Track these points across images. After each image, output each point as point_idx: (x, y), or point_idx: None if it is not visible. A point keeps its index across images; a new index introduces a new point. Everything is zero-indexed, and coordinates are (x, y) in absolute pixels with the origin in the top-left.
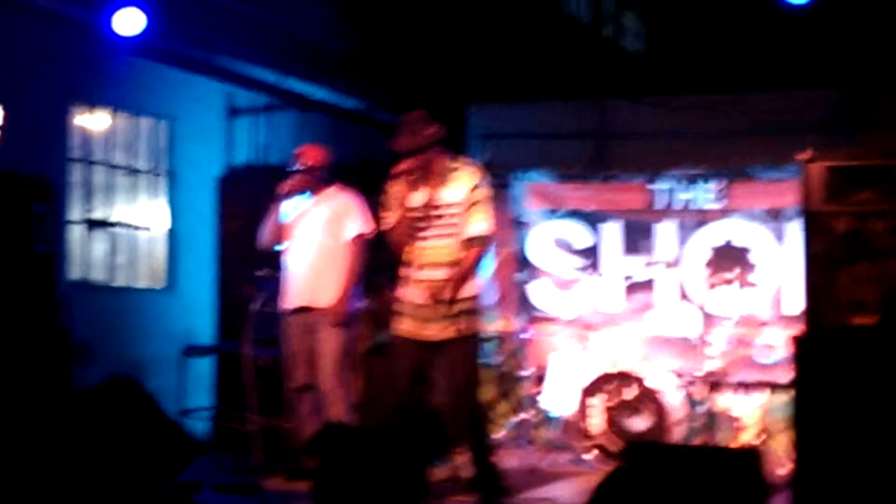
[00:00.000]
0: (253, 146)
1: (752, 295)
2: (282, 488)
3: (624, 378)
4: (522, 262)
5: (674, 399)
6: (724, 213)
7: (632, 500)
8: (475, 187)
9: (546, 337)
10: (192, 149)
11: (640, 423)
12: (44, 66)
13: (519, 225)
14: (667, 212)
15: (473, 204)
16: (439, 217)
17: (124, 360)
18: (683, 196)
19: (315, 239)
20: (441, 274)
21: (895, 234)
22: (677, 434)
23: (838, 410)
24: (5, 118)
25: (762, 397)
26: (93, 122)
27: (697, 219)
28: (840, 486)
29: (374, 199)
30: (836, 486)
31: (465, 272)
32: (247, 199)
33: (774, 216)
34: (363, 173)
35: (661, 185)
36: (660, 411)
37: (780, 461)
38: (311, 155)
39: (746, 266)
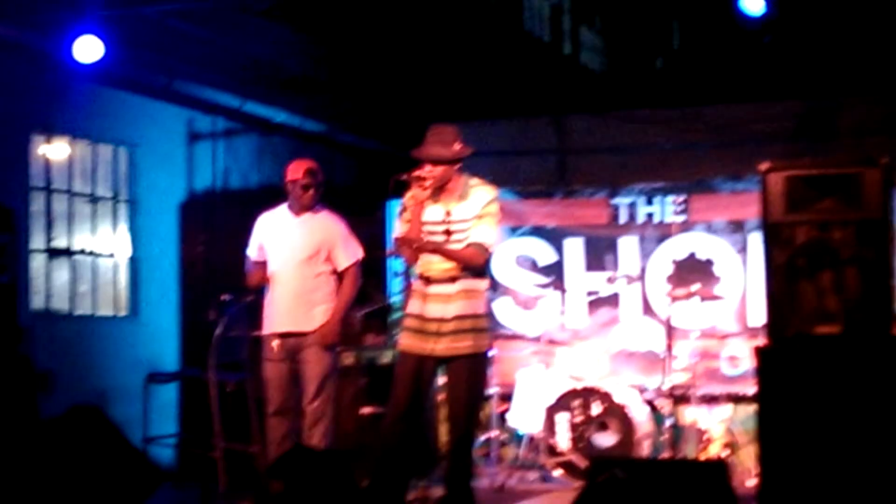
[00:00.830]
0: (213, 171)
1: (717, 307)
2: None
3: (590, 394)
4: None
5: (640, 413)
6: (686, 226)
7: None
8: (490, 202)
9: (511, 354)
10: (153, 175)
11: (607, 438)
12: (3, 95)
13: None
14: (629, 226)
15: (484, 215)
16: (453, 233)
17: (88, 389)
18: (645, 210)
19: (300, 262)
20: (451, 289)
21: (857, 243)
22: (645, 448)
23: (803, 421)
24: None
25: (729, 409)
26: (53, 150)
27: (660, 232)
28: (806, 497)
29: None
30: (801, 497)
31: (453, 255)
32: (208, 224)
33: (737, 228)
34: (327, 197)
35: (622, 200)
36: (627, 426)
37: (749, 473)
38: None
39: (710, 278)
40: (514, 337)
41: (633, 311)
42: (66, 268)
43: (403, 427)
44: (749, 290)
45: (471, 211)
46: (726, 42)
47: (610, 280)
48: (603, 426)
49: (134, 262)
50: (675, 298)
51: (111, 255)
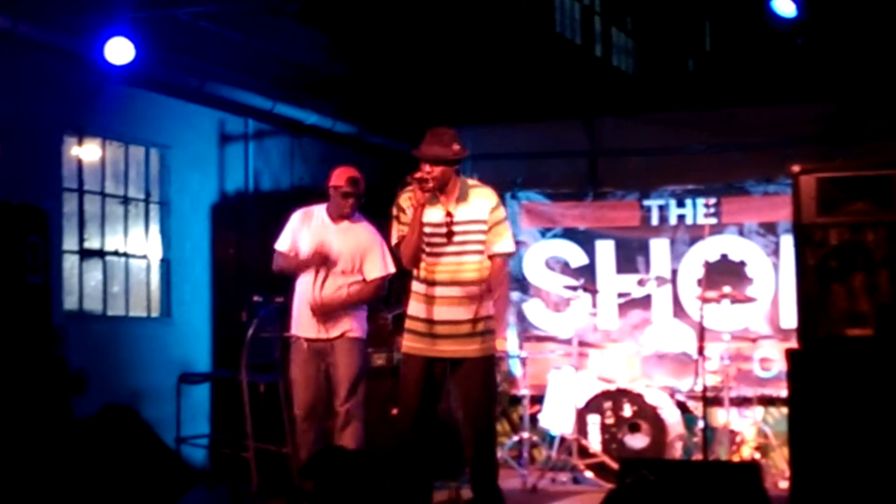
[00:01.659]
0: (244, 173)
1: (749, 310)
2: None
3: (622, 395)
4: (519, 282)
5: (672, 415)
6: (717, 228)
7: None
8: (496, 207)
9: (542, 356)
10: (184, 177)
11: (638, 440)
12: (36, 96)
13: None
14: (660, 228)
15: (497, 223)
16: (456, 234)
17: (121, 390)
18: (677, 212)
19: (333, 271)
20: (456, 291)
21: (890, 245)
22: (676, 450)
23: (834, 423)
24: None
25: (761, 412)
26: (86, 151)
27: (691, 235)
28: (838, 499)
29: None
30: (833, 500)
31: (498, 283)
32: (240, 225)
33: (769, 230)
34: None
35: (654, 202)
36: (658, 428)
37: (781, 475)
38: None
39: (742, 281)
40: (546, 339)
41: (664, 313)
42: (98, 269)
43: (418, 428)
44: (781, 292)
45: (475, 214)
46: (758, 44)
47: (641, 282)
48: (635, 428)
49: (166, 264)
50: (706, 301)
51: (143, 257)
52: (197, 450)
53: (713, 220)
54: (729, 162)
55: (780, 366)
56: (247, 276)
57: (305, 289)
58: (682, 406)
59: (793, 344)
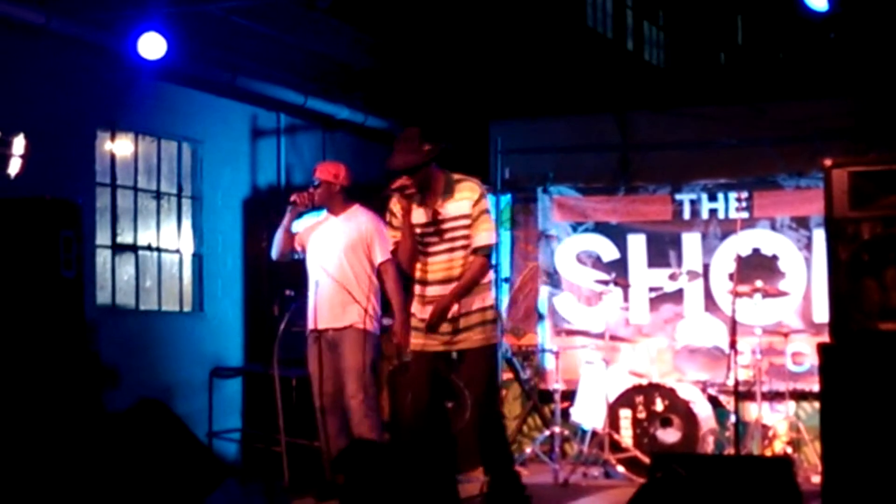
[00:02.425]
0: (276, 167)
1: (781, 304)
2: None
3: (653, 390)
4: (551, 276)
5: (704, 410)
6: (750, 222)
7: None
8: (478, 200)
9: (574, 350)
10: (217, 171)
11: (670, 434)
12: (69, 92)
13: (546, 238)
14: (692, 222)
15: (477, 216)
16: (445, 231)
17: (153, 384)
18: (709, 206)
19: (338, 259)
20: (450, 287)
21: None
22: (708, 445)
23: (867, 417)
24: (27, 147)
25: (793, 406)
26: (118, 146)
27: (723, 229)
28: (871, 494)
29: None
30: (866, 494)
31: (468, 283)
32: (272, 220)
33: (801, 224)
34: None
35: (686, 196)
36: (690, 422)
37: (814, 470)
38: (327, 170)
39: (774, 275)
40: (577, 333)
41: (696, 307)
42: (131, 263)
43: (426, 421)
44: (813, 286)
45: (460, 209)
46: (790, 38)
47: (672, 277)
48: (666, 422)
49: (198, 258)
50: (738, 295)
51: (176, 251)
52: (229, 444)
53: (745, 215)
54: (761, 156)
55: (812, 360)
56: (278, 270)
57: (314, 280)
58: (713, 400)
59: (825, 338)
